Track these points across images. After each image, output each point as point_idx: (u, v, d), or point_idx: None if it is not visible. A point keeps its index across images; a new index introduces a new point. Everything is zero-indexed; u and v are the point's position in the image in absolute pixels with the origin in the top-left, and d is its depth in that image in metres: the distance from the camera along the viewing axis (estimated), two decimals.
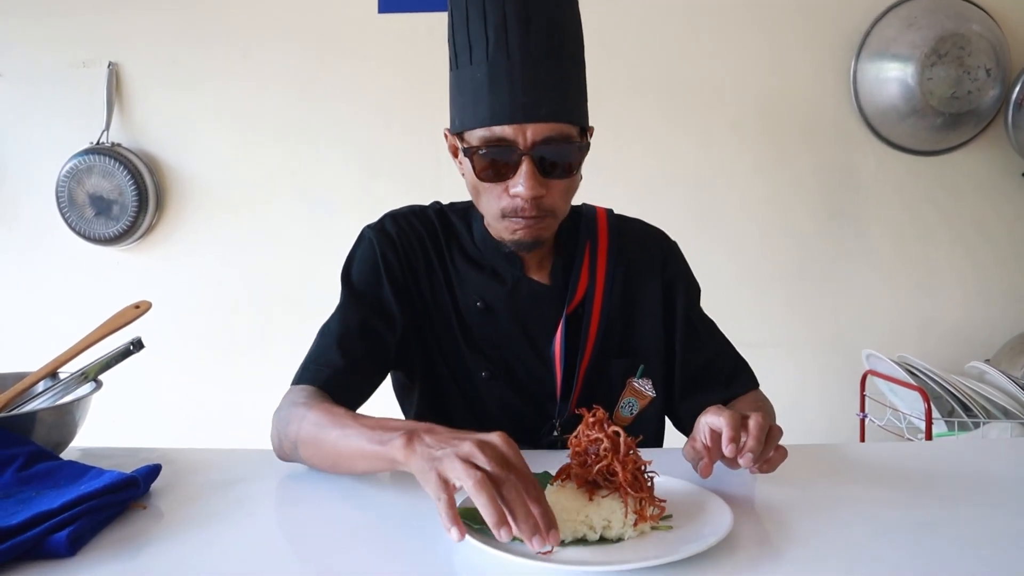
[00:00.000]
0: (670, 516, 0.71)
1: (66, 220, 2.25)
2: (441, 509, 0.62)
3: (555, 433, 1.00)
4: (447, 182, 2.21)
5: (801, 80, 2.20)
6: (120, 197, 2.22)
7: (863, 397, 2.01)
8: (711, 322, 1.10)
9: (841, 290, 2.24)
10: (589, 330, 1.01)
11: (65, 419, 0.90)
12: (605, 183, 2.00)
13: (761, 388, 1.07)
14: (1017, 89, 2.08)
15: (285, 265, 2.30)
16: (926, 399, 1.71)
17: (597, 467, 0.70)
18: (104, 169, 2.21)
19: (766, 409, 1.02)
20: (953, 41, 2.04)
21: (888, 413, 1.93)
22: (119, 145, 2.26)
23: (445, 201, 1.10)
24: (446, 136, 0.99)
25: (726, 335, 1.10)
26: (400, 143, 2.25)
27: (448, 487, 0.63)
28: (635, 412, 1.03)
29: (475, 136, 0.90)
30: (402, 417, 1.09)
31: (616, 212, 1.11)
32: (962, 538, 0.68)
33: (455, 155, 0.98)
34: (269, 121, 2.27)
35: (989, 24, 2.09)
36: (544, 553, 0.62)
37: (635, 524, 0.67)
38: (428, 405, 1.04)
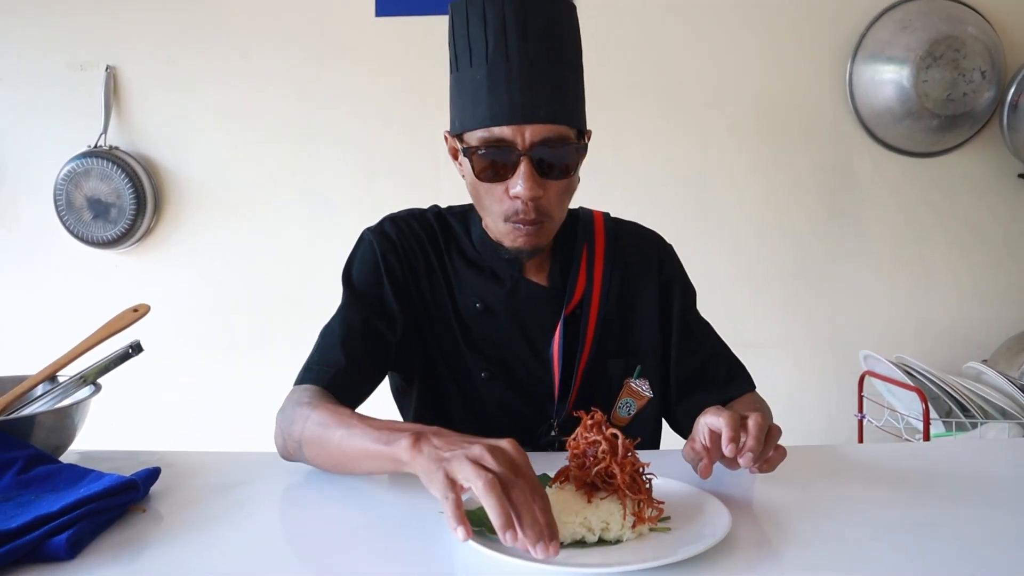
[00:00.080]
0: (668, 518, 0.71)
1: (64, 223, 2.25)
2: (448, 508, 0.62)
3: (553, 433, 1.01)
4: (446, 183, 2.22)
5: (797, 82, 2.21)
6: (118, 200, 2.22)
7: (861, 398, 2.02)
8: (707, 324, 1.11)
9: (838, 291, 2.24)
10: (587, 331, 1.01)
11: (64, 422, 0.90)
12: (604, 185, 2.01)
13: (759, 389, 1.08)
14: (1012, 91, 2.09)
15: (284, 267, 2.30)
16: (924, 400, 1.71)
17: (595, 469, 0.70)
18: (102, 172, 2.21)
19: (764, 410, 1.02)
20: (948, 43, 2.05)
21: (886, 414, 1.94)
22: (117, 148, 2.26)
23: (444, 204, 1.11)
24: (446, 138, 0.99)
25: (723, 337, 1.11)
26: (398, 144, 2.26)
27: (456, 487, 0.63)
28: (633, 413, 1.04)
29: (474, 137, 0.91)
30: (399, 420, 1.09)
31: (613, 215, 1.12)
32: (960, 538, 0.68)
33: (455, 157, 0.98)
34: (267, 123, 2.27)
35: (984, 26, 2.10)
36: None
37: (633, 526, 0.68)
38: (427, 406, 1.05)
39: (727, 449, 0.74)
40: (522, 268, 1.02)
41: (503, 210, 0.92)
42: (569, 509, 0.68)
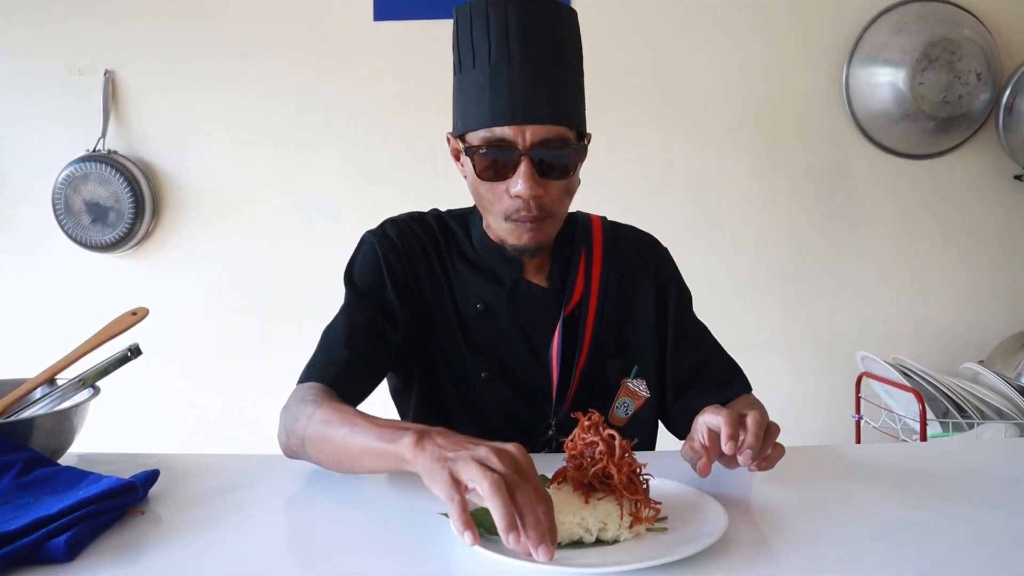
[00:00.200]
0: (665, 518, 0.71)
1: (62, 227, 2.25)
2: (453, 511, 0.62)
3: (550, 432, 1.01)
4: (444, 187, 2.22)
5: (794, 85, 2.22)
6: (116, 204, 2.22)
7: (858, 399, 2.02)
8: (703, 327, 1.12)
9: (836, 292, 2.25)
10: (585, 331, 1.02)
11: (63, 425, 0.90)
12: (602, 188, 2.02)
13: (756, 390, 1.08)
14: (1007, 93, 2.10)
15: (282, 270, 2.30)
16: (921, 401, 1.71)
17: (593, 470, 0.71)
18: (100, 176, 2.21)
19: (761, 411, 1.02)
20: (943, 46, 2.06)
21: (883, 415, 1.94)
22: (115, 152, 2.26)
23: (442, 207, 1.12)
24: (448, 140, 1.00)
25: (721, 338, 1.11)
26: (397, 148, 2.26)
27: (460, 488, 0.63)
28: (630, 413, 1.04)
29: (476, 137, 0.92)
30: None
31: (610, 219, 1.13)
32: (957, 538, 0.68)
33: (457, 158, 1.00)
34: (266, 127, 2.28)
35: (979, 29, 2.11)
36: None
37: (631, 526, 0.68)
38: (426, 406, 1.05)
39: (726, 447, 0.74)
40: (522, 269, 1.03)
41: (504, 208, 0.93)
42: (566, 509, 0.68)
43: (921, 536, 0.69)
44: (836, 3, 2.19)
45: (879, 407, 1.97)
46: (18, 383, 0.98)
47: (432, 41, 2.22)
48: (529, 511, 0.61)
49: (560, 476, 0.74)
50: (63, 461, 0.89)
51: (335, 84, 2.26)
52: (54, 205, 2.24)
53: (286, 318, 2.28)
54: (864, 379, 2.00)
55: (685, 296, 1.11)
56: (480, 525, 0.66)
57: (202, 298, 2.32)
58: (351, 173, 2.28)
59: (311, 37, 2.26)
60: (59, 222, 2.25)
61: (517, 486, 0.61)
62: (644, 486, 0.71)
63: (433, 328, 1.03)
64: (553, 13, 0.92)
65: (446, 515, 0.66)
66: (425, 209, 1.11)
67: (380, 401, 1.03)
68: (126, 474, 0.78)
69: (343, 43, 2.26)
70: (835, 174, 2.23)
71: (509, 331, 1.02)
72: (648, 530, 0.69)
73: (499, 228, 0.97)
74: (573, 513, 0.68)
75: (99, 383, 0.97)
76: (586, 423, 0.73)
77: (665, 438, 1.11)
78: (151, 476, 0.80)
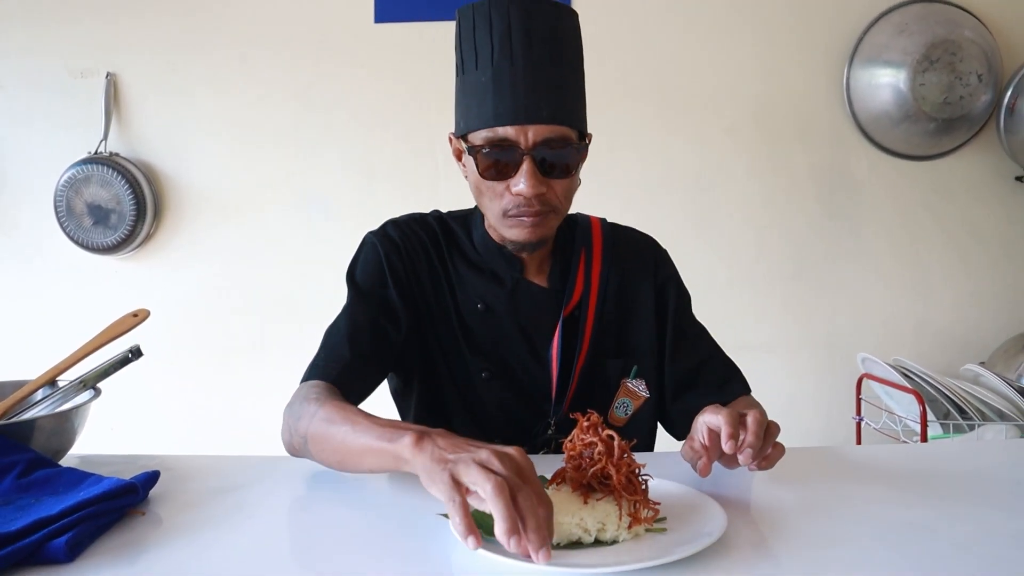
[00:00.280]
0: (664, 519, 0.71)
1: (64, 229, 2.25)
2: (455, 513, 0.62)
3: (549, 432, 1.01)
4: (443, 185, 2.23)
5: (795, 86, 2.22)
6: (118, 206, 2.23)
7: (859, 400, 2.02)
8: (702, 327, 1.12)
9: (836, 293, 2.25)
10: (585, 331, 1.03)
11: (64, 426, 0.90)
12: (602, 188, 2.02)
13: (756, 391, 1.08)
14: (1008, 94, 2.10)
15: (283, 272, 2.30)
16: (921, 402, 1.71)
17: (592, 470, 0.71)
18: (102, 178, 2.22)
19: (760, 411, 1.02)
20: (944, 47, 2.06)
21: (884, 416, 1.94)
22: (117, 154, 2.27)
23: (443, 208, 1.12)
24: (450, 140, 1.01)
25: (721, 339, 1.11)
26: (397, 149, 2.27)
27: (461, 489, 0.63)
28: (630, 413, 1.05)
29: (479, 136, 0.93)
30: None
31: (610, 220, 1.14)
32: (958, 540, 0.68)
33: (459, 158, 1.00)
34: (267, 129, 2.28)
35: (980, 30, 2.11)
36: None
37: (629, 527, 0.68)
38: (426, 406, 1.06)
39: (726, 446, 0.74)
40: (523, 269, 1.04)
41: (503, 205, 0.94)
42: (565, 510, 0.68)
43: (921, 536, 0.69)
44: (837, 4, 2.19)
45: (880, 409, 1.96)
46: (19, 385, 0.98)
47: (432, 42, 2.23)
48: (531, 514, 0.61)
49: (559, 477, 0.74)
50: (64, 462, 0.89)
51: (335, 85, 2.26)
52: (56, 207, 2.24)
53: (286, 319, 2.28)
54: (865, 380, 2.00)
55: (684, 297, 1.11)
56: (479, 526, 0.66)
57: (203, 299, 2.32)
58: (351, 174, 2.28)
59: (312, 39, 2.26)
60: (61, 224, 2.25)
61: (519, 489, 0.61)
62: (643, 486, 0.71)
63: (434, 328, 1.03)
64: (554, 14, 0.93)
65: (446, 516, 0.66)
66: (426, 210, 1.11)
67: (381, 401, 1.04)
68: (127, 475, 0.78)
69: (343, 44, 2.26)
70: (835, 175, 2.23)
71: (509, 331, 1.03)
72: (647, 530, 0.69)
73: (499, 225, 0.97)
74: (572, 514, 0.68)
75: (100, 385, 0.98)
76: (585, 424, 0.73)
77: (664, 438, 1.11)
78: (151, 477, 0.81)
